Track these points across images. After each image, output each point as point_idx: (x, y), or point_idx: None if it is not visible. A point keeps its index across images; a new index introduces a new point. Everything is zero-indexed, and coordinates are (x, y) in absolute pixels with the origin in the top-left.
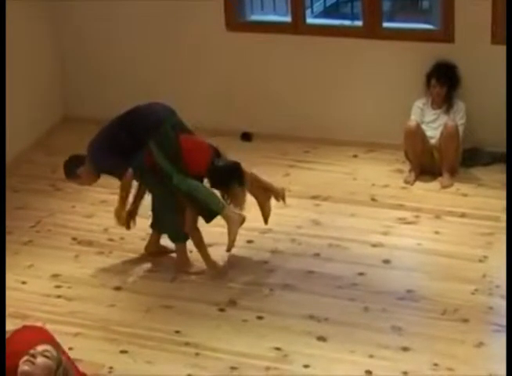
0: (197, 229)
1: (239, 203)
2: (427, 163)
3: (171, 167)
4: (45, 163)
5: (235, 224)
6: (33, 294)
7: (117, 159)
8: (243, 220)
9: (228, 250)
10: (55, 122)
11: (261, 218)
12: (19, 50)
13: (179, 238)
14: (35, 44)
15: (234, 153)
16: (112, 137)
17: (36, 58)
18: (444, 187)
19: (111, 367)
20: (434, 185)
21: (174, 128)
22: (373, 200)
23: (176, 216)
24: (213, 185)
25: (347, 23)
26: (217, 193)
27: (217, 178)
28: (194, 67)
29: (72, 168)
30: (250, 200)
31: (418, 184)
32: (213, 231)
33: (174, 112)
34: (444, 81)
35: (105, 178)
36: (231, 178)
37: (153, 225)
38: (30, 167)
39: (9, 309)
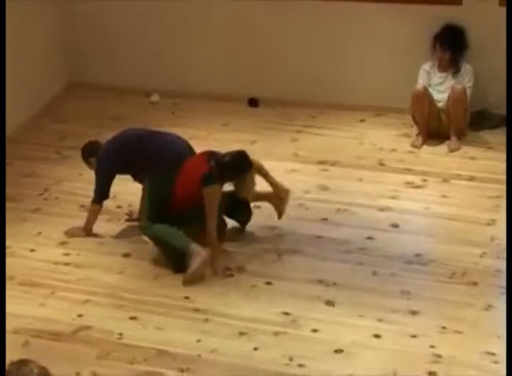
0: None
1: (250, 190)
2: (434, 126)
3: (148, 208)
4: (51, 130)
5: (201, 258)
6: (41, 261)
7: (112, 167)
8: (209, 256)
9: (184, 282)
10: (61, 89)
11: (267, 184)
12: (23, 16)
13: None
14: (40, 10)
15: (241, 119)
16: (124, 146)
17: (41, 24)
18: (451, 151)
19: (120, 334)
20: (442, 148)
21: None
22: (381, 164)
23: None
24: (226, 179)
25: None
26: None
27: (228, 172)
28: (200, 34)
29: (86, 154)
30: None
31: (425, 148)
32: None
33: (191, 152)
34: (447, 46)
35: None
36: (241, 170)
37: None
38: (37, 134)
39: (18, 277)
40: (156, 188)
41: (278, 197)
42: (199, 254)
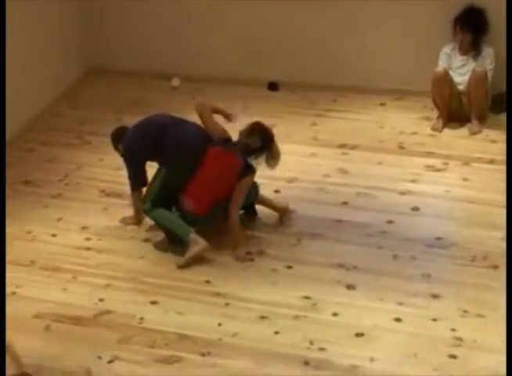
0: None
1: (279, 157)
2: (455, 109)
3: (156, 193)
4: (72, 116)
5: (199, 247)
6: (63, 246)
7: (138, 154)
8: (206, 246)
9: (179, 267)
10: (81, 74)
11: (287, 169)
12: (42, 2)
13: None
14: None
15: (261, 103)
16: (147, 133)
17: (60, 10)
18: (472, 134)
19: (142, 318)
20: (463, 131)
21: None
22: (401, 147)
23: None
24: (257, 159)
25: None
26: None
27: (259, 154)
28: (221, 18)
29: (115, 141)
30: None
31: (446, 131)
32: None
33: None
34: (468, 28)
35: None
36: (268, 144)
37: None
38: (57, 120)
39: (40, 262)
40: (172, 180)
41: (282, 210)
42: (197, 244)
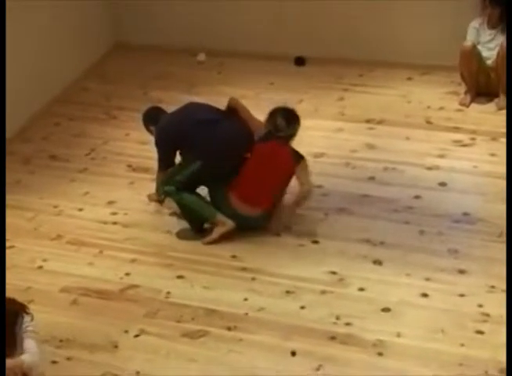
0: None
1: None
2: (483, 84)
3: (182, 179)
4: (99, 91)
5: (225, 227)
6: (89, 221)
7: (168, 144)
8: (233, 227)
9: (204, 242)
10: (107, 50)
11: (314, 144)
12: None
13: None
14: None
15: (288, 78)
16: (179, 126)
17: None
18: (500, 109)
19: (168, 292)
20: (490, 106)
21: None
22: (428, 122)
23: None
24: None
25: None
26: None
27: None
28: None
29: (147, 121)
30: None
31: (474, 106)
32: None
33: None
34: (496, 2)
35: (160, 105)
36: (290, 118)
37: None
38: (84, 95)
39: (66, 236)
40: (205, 174)
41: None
42: (224, 225)
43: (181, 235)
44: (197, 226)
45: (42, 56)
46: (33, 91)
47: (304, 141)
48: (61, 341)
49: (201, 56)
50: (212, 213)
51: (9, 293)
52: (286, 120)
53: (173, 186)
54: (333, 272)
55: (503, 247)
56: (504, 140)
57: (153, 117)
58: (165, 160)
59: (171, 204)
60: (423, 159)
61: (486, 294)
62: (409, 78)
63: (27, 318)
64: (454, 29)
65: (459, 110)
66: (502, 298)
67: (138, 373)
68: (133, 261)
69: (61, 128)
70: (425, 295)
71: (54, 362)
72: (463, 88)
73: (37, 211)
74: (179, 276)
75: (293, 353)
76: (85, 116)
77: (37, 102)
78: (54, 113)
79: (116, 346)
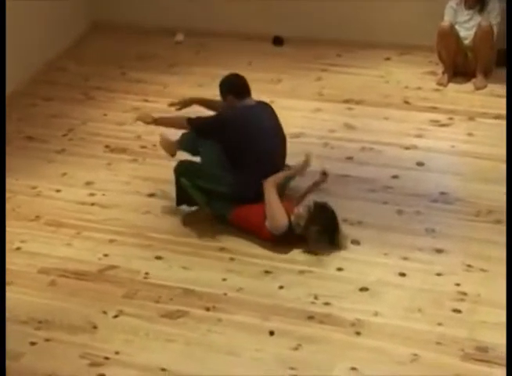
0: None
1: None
2: (460, 64)
3: (201, 185)
4: (76, 71)
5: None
6: (67, 202)
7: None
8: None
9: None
10: (85, 29)
11: (292, 124)
12: None
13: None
14: None
15: (266, 58)
16: (239, 132)
17: None
18: (478, 88)
19: (147, 273)
20: (468, 86)
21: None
22: (406, 102)
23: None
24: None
25: None
26: None
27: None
28: None
29: (226, 89)
30: None
31: (451, 86)
32: None
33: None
34: None
35: (139, 85)
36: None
37: None
38: (61, 75)
39: (44, 217)
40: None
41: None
42: None
43: (159, 216)
44: (181, 199)
45: (19, 36)
46: (9, 71)
47: (283, 121)
48: (40, 322)
49: (179, 36)
50: (203, 204)
51: None
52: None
53: (190, 182)
54: (312, 252)
55: (480, 227)
56: (481, 120)
57: (237, 89)
58: (201, 131)
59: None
60: (401, 139)
61: (463, 273)
62: (388, 58)
63: None
64: (432, 9)
65: (437, 90)
66: (479, 277)
67: (117, 353)
68: (111, 242)
69: (38, 109)
70: (403, 275)
71: (33, 343)
72: (440, 68)
73: (14, 193)
74: (158, 257)
75: (272, 333)
76: (63, 96)
77: (13, 82)
78: (31, 93)
79: (95, 327)
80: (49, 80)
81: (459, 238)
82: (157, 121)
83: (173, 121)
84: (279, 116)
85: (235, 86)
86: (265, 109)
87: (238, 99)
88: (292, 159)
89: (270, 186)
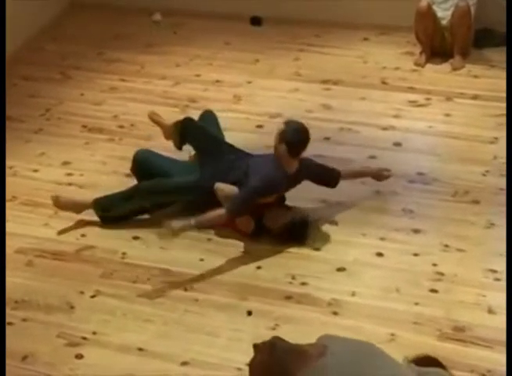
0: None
1: None
2: (438, 44)
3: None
4: (54, 50)
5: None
6: (45, 182)
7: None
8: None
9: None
10: (62, 9)
11: (270, 104)
12: None
13: None
14: None
15: (244, 38)
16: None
17: None
18: (455, 69)
19: (124, 253)
20: (446, 67)
21: None
22: (384, 83)
23: None
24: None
25: None
26: None
27: None
28: None
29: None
30: None
31: (429, 66)
32: None
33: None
34: None
35: (116, 65)
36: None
37: None
38: (39, 54)
39: (21, 197)
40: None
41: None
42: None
43: None
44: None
45: None
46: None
47: (260, 101)
48: (16, 302)
49: (157, 16)
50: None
51: None
52: None
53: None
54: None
55: (457, 207)
56: (459, 100)
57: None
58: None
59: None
60: (379, 119)
61: (440, 253)
62: (366, 39)
63: None
64: None
65: (415, 71)
66: (456, 257)
67: (94, 333)
68: (89, 222)
69: (16, 89)
70: (380, 255)
71: (10, 323)
72: (418, 49)
73: None
74: (135, 237)
75: (249, 313)
76: (40, 76)
77: None
78: (8, 73)
79: (72, 307)
80: (27, 60)
81: (436, 218)
82: (197, 225)
83: (212, 219)
84: (256, 96)
85: (301, 143)
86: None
87: (291, 156)
88: (271, 139)
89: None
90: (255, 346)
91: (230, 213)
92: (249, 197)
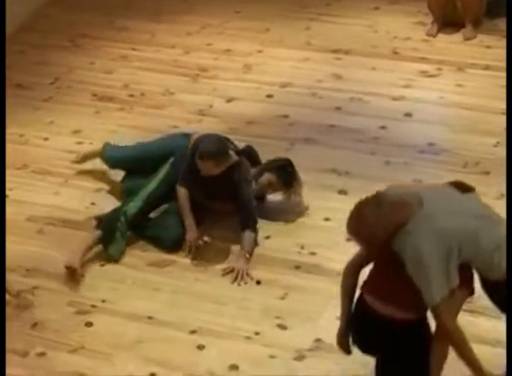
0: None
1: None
2: (449, 14)
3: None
4: (62, 19)
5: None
6: (55, 150)
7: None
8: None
9: None
10: None
11: (280, 73)
12: None
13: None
14: None
15: (254, 6)
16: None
17: None
18: (467, 39)
19: None
20: (457, 37)
21: None
22: (395, 53)
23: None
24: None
25: None
26: None
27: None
28: None
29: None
30: None
31: (440, 36)
32: None
33: None
34: None
35: (126, 33)
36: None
37: None
38: (47, 22)
39: (31, 165)
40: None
41: None
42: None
43: None
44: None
45: None
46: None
47: (270, 70)
48: (27, 270)
49: None
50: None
51: None
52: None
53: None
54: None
55: (468, 178)
56: (470, 71)
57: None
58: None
59: None
60: (389, 89)
61: None
62: (376, 8)
63: None
64: None
65: (426, 41)
66: None
67: (103, 301)
68: (98, 190)
69: (25, 56)
70: None
71: (21, 291)
72: (429, 19)
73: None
74: None
75: (258, 282)
76: (49, 44)
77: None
78: (18, 40)
79: (82, 275)
80: (35, 27)
81: None
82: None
83: (252, 243)
84: (267, 65)
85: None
86: None
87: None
88: (281, 108)
89: None
90: (359, 201)
91: (254, 225)
92: (251, 200)
